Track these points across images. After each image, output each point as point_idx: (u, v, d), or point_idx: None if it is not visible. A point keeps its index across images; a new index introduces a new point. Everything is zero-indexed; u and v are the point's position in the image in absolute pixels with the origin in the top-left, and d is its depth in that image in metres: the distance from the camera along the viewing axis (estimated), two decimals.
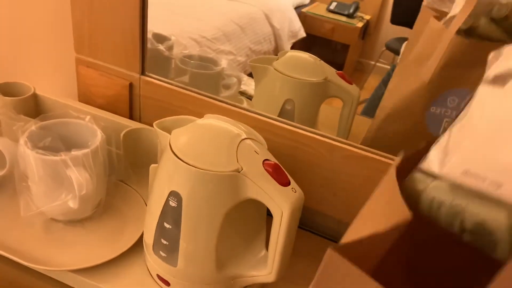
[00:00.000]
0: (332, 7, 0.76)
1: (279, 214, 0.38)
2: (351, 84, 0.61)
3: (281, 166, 0.39)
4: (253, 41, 0.89)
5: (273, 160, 0.40)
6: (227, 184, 0.38)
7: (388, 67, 0.72)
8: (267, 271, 0.42)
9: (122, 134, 0.53)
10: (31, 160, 0.43)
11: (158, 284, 0.45)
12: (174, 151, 0.39)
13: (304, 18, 0.80)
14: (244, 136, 0.41)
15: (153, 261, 0.43)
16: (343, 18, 0.77)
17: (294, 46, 0.88)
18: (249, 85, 0.76)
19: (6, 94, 0.57)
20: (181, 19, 0.81)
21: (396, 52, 0.71)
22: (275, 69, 0.60)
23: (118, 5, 0.53)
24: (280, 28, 0.89)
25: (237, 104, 0.55)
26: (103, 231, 0.49)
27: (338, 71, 0.61)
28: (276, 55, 0.90)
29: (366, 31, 0.83)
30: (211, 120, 0.42)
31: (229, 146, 0.39)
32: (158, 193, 0.41)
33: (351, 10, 0.75)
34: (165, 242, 0.41)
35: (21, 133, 0.46)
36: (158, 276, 0.44)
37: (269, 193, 0.38)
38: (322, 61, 0.62)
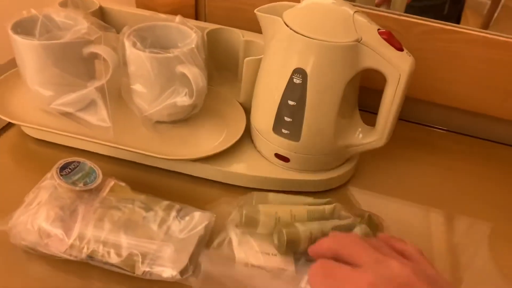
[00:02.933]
0: None
1: (397, 77, 0.42)
2: None
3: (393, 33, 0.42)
4: None
5: (384, 28, 0.43)
6: (349, 54, 0.41)
7: None
8: (377, 136, 0.46)
9: (205, 33, 0.53)
10: (144, 60, 0.44)
11: (274, 163, 0.49)
12: (294, 29, 0.41)
13: None
14: (355, 8, 0.43)
15: (272, 141, 0.47)
16: None
17: None
18: None
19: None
20: None
21: None
22: None
23: None
24: None
25: None
26: (207, 127, 0.52)
27: None
28: None
29: None
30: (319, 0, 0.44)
31: (345, 19, 0.42)
32: (275, 76, 0.44)
33: None
34: (288, 119, 0.44)
35: (116, 38, 0.46)
36: (277, 155, 0.48)
37: (388, 59, 0.41)
38: None
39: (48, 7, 0.49)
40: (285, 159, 0.48)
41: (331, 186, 0.50)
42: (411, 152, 0.58)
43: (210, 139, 0.50)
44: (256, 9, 0.45)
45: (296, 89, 0.43)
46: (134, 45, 0.45)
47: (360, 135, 0.48)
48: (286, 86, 0.43)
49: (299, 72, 0.42)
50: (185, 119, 0.52)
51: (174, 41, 0.50)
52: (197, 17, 0.60)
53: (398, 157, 0.57)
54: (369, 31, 0.41)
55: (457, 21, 0.76)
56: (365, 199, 0.51)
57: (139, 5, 0.61)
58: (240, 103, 0.55)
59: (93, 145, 0.48)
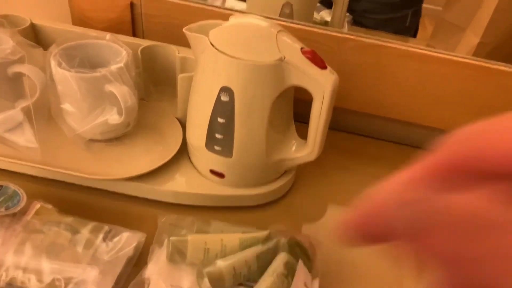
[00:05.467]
0: None
1: (321, 94, 0.43)
2: None
3: (316, 52, 0.44)
4: None
5: (307, 47, 0.44)
6: (273, 72, 0.42)
7: None
8: (309, 150, 0.47)
9: (139, 50, 0.53)
10: (71, 80, 0.44)
11: (211, 179, 0.49)
12: (219, 49, 0.41)
13: None
14: (278, 28, 0.44)
15: (205, 158, 0.47)
16: None
17: None
18: None
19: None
20: None
21: None
22: None
23: None
24: None
25: (244, 10, 0.57)
26: (142, 144, 0.52)
27: None
28: None
29: None
30: (244, 18, 0.45)
31: (269, 39, 0.42)
32: (205, 93, 0.44)
33: None
34: (219, 136, 0.45)
35: (44, 57, 0.45)
36: (212, 171, 0.48)
37: (311, 77, 0.42)
38: None
39: None
40: (220, 175, 0.48)
41: (269, 199, 0.51)
42: (350, 162, 0.60)
43: (146, 156, 0.50)
44: (184, 28, 0.45)
45: (224, 106, 0.43)
46: (59, 64, 0.44)
47: (294, 149, 0.49)
48: (215, 103, 0.43)
49: (226, 90, 0.42)
50: (120, 136, 0.52)
51: (106, 58, 0.49)
52: (134, 33, 0.60)
53: (337, 167, 0.58)
54: (292, 50, 0.43)
55: (416, 31, 0.79)
56: (305, 211, 0.52)
57: (75, 22, 0.60)
58: (178, 119, 0.55)
59: (21, 166, 0.47)
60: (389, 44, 0.55)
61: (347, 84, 0.58)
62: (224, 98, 0.43)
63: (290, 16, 0.63)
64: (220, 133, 0.45)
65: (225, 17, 0.56)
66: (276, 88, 0.43)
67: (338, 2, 0.65)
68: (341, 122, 0.65)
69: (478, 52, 0.62)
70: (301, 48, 0.43)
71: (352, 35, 0.55)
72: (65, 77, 0.44)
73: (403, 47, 0.55)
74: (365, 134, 0.66)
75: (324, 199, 0.53)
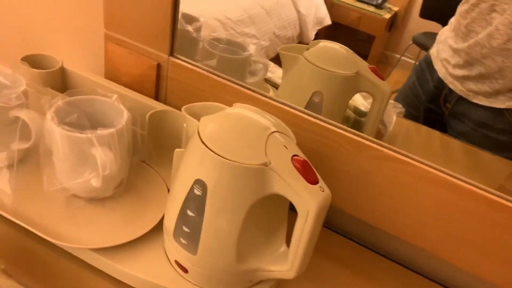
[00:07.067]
0: None
1: (305, 213, 0.37)
2: (383, 79, 0.59)
3: (310, 163, 0.38)
4: (277, 25, 0.87)
5: (302, 156, 0.39)
6: (254, 177, 0.37)
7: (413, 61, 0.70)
8: (288, 267, 0.41)
9: (148, 115, 0.52)
10: (57, 136, 0.43)
11: (176, 270, 0.44)
12: (202, 139, 0.38)
13: (331, 6, 0.79)
14: (273, 129, 0.39)
15: (172, 247, 0.43)
16: (371, 8, 0.76)
17: (319, 34, 0.87)
18: (274, 72, 0.74)
19: (33, 66, 0.56)
20: None
21: (423, 47, 0.69)
22: (305, 59, 0.58)
23: None
24: (306, 14, 0.88)
25: (265, 93, 0.54)
26: (124, 211, 0.49)
27: (370, 66, 0.59)
28: (301, 42, 0.89)
29: (394, 23, 0.81)
30: (242, 110, 0.41)
31: (258, 139, 0.38)
32: (183, 179, 0.41)
33: (380, 1, 0.74)
34: (186, 229, 0.40)
35: (48, 107, 0.45)
36: (177, 262, 0.43)
37: (296, 190, 0.37)
38: (354, 54, 0.60)
39: None
40: (184, 269, 0.43)
41: None
42: (346, 276, 0.52)
43: (121, 227, 0.47)
44: (183, 107, 0.43)
45: (195, 200, 0.39)
46: (52, 118, 0.44)
47: (273, 259, 0.43)
48: (187, 194, 0.40)
49: (200, 184, 0.38)
50: (103, 198, 0.49)
51: (110, 118, 0.48)
52: (157, 93, 0.59)
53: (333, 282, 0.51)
54: (282, 156, 0.38)
55: None
56: None
57: (108, 73, 0.61)
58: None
59: None
60: (411, 162, 0.48)
61: (359, 192, 0.52)
62: (197, 191, 0.39)
63: (319, 105, 0.58)
64: (188, 227, 0.40)
65: (246, 97, 0.54)
66: (255, 193, 0.38)
67: (378, 98, 0.59)
68: (343, 227, 0.58)
69: None
70: (293, 156, 0.38)
71: (373, 142, 0.49)
72: (53, 131, 0.43)
73: (427, 168, 0.47)
74: (369, 247, 0.57)
75: None
